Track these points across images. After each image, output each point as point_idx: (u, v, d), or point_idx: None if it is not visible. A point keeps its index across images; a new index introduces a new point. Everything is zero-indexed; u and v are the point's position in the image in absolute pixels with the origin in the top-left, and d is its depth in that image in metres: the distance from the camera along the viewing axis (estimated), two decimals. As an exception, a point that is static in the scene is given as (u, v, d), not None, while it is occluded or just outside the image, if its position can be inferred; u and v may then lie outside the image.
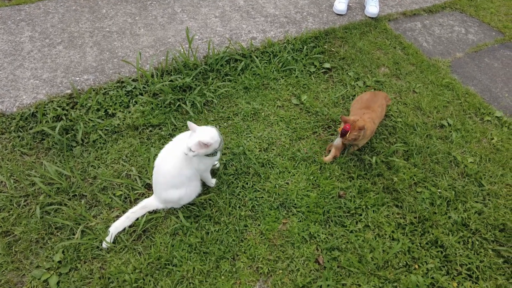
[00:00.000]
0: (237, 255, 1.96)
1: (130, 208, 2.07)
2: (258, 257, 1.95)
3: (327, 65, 3.20)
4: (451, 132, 2.75)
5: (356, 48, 3.47)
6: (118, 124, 2.57)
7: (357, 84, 3.09)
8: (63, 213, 2.07)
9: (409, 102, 2.98)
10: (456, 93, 3.12)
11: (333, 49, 3.41)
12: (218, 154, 2.04)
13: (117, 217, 2.05)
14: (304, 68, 3.18)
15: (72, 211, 2.07)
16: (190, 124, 1.83)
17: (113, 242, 1.97)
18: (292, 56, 3.21)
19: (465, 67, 3.47)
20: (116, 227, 1.98)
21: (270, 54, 3.22)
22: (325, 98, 2.94)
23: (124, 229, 2.01)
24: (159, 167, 1.95)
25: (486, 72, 3.44)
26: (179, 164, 1.92)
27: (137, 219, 2.05)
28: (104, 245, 1.92)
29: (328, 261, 1.93)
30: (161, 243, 1.98)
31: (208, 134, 1.85)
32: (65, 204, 2.12)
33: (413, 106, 2.96)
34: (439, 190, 2.31)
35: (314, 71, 3.17)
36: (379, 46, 3.55)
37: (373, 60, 3.36)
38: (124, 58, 3.03)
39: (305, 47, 3.30)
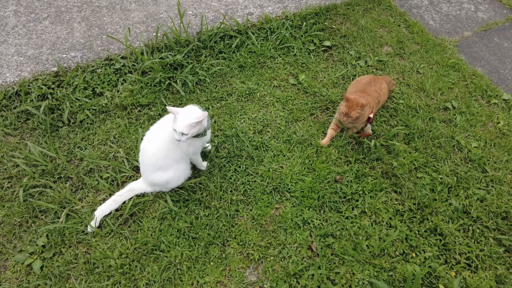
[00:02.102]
0: (227, 241, 1.89)
1: (117, 191, 1.99)
2: (249, 243, 1.88)
3: (327, 43, 3.04)
4: (455, 115, 2.62)
5: (358, 25, 3.29)
6: (106, 104, 2.45)
7: (358, 64, 2.94)
8: (47, 196, 1.99)
9: (412, 83, 2.84)
10: (462, 74, 2.97)
11: (334, 26, 3.23)
12: (208, 134, 1.94)
13: (104, 200, 1.98)
14: (303, 46, 3.02)
15: (57, 194, 1.99)
16: (170, 108, 1.71)
17: (99, 226, 1.90)
18: (290, 33, 3.05)
19: (473, 46, 3.30)
20: (102, 210, 1.91)
21: (267, 31, 3.05)
22: (324, 78, 2.80)
23: (110, 212, 1.94)
24: (145, 149, 1.85)
25: (495, 52, 3.26)
26: (165, 146, 1.82)
27: (124, 202, 1.97)
28: (89, 229, 1.85)
29: (321, 248, 1.86)
30: (148, 227, 1.91)
31: (195, 112, 1.76)
32: (50, 187, 2.03)
33: (417, 87, 2.82)
34: (440, 176, 2.21)
35: (313, 49, 3.02)
36: (383, 24, 3.37)
37: (375, 39, 3.20)
38: (113, 35, 2.88)
39: (304, 23, 3.13)
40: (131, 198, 1.99)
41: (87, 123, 2.37)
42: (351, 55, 3.00)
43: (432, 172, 2.24)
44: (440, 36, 3.34)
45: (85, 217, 1.91)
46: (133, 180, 2.07)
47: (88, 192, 2.04)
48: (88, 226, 1.85)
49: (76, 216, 1.91)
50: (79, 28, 2.93)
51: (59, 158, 2.16)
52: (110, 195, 1.98)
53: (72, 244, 1.84)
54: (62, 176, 2.09)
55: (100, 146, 2.26)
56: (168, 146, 1.83)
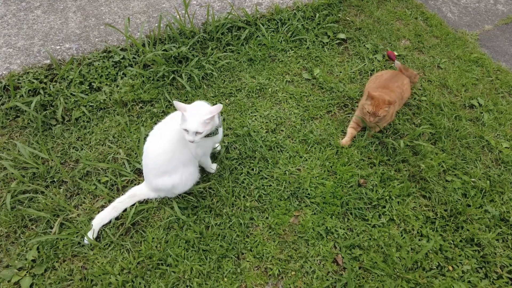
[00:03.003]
0: (242, 253, 1.68)
1: (117, 197, 1.78)
2: (266, 255, 1.67)
3: (341, 36, 2.84)
4: (482, 113, 2.43)
5: (373, 17, 3.09)
6: (104, 100, 2.23)
7: (375, 58, 2.74)
8: (38, 203, 1.77)
9: (434, 79, 2.65)
10: (486, 69, 2.78)
11: (348, 18, 3.03)
12: (220, 133, 1.74)
13: (102, 207, 1.76)
14: (316, 39, 2.82)
15: (49, 200, 1.77)
16: (177, 103, 1.50)
17: (97, 238, 1.68)
18: (302, 24, 2.84)
19: (495, 40, 3.11)
20: (100, 219, 1.69)
21: (277, 22, 2.84)
22: (341, 72, 2.60)
23: (110, 221, 1.72)
24: (149, 150, 1.64)
25: (518, 46, 3.08)
26: (172, 147, 1.61)
27: (125, 210, 1.76)
28: (86, 241, 1.64)
29: (348, 261, 1.66)
30: (153, 238, 1.70)
31: (205, 106, 1.58)
32: (42, 192, 1.82)
33: (439, 83, 2.62)
34: (472, 179, 2.02)
35: (327, 42, 2.81)
36: (399, 16, 3.17)
37: (392, 32, 3.00)
38: (112, 25, 2.65)
39: (317, 15, 2.92)
40: (133, 205, 1.77)
41: (84, 121, 2.15)
42: (368, 48, 2.80)
43: (462, 175, 2.04)
44: (460, 30, 3.14)
45: (81, 227, 1.69)
46: (135, 185, 1.86)
47: (84, 198, 1.82)
48: (85, 237, 1.63)
49: (71, 226, 1.69)
50: (75, 18, 2.70)
51: (52, 160, 1.94)
52: (110, 201, 1.77)
53: (67, 258, 1.62)
54: (55, 180, 1.87)
55: (98, 146, 2.04)
56: (174, 147, 1.62)
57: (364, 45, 2.83)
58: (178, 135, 1.61)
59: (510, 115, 2.44)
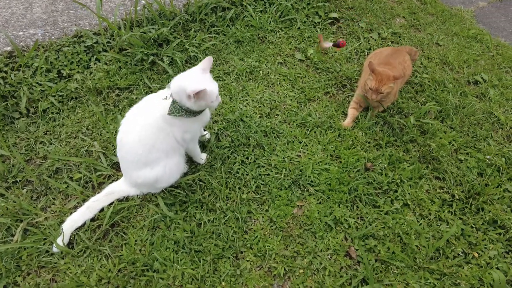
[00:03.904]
0: (241, 252, 1.46)
1: (92, 195, 1.53)
2: (269, 253, 1.45)
3: (334, 15, 2.65)
4: (487, 88, 2.28)
5: (365, -4, 2.92)
6: (76, 88, 1.97)
7: (371, 37, 2.57)
8: (-3, 206, 1.50)
9: (434, 56, 2.49)
10: (486, 45, 2.64)
11: (339, -3, 2.85)
12: (208, 113, 1.52)
13: (75, 208, 1.51)
14: (307, 19, 2.62)
15: (10, 204, 1.50)
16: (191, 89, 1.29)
17: (69, 244, 1.43)
18: (291, 4, 2.64)
19: (491, 17, 2.99)
20: (72, 221, 1.44)
21: (265, 2, 2.63)
22: (336, 52, 2.41)
23: (84, 223, 1.47)
24: (124, 140, 1.40)
25: (514, 22, 2.96)
26: (151, 135, 1.38)
27: (102, 210, 1.51)
28: (55, 248, 1.38)
29: (363, 254, 1.45)
30: (136, 241, 1.45)
31: (192, 70, 1.41)
32: (1, 195, 1.55)
33: (439, 60, 2.47)
34: (488, 157, 1.85)
35: (319, 22, 2.62)
36: (391, -5, 3.01)
37: (386, 10, 2.83)
38: (84, 10, 2.39)
39: (307, -7, 2.73)
40: (112, 203, 1.52)
41: (52, 112, 1.89)
42: (362, 27, 2.63)
43: (476, 153, 1.88)
44: (455, 6, 3.01)
45: (49, 232, 1.43)
46: (113, 181, 1.61)
47: (54, 198, 1.57)
48: (54, 244, 1.38)
49: (38, 232, 1.43)
50: (40, 2, 2.43)
51: (14, 158, 1.67)
52: (84, 200, 1.52)
53: (32, 270, 1.36)
54: (18, 180, 1.61)
55: (70, 139, 1.78)
56: (154, 135, 1.39)
57: (358, 24, 2.65)
58: (158, 122, 1.38)
59: (516, 90, 2.30)
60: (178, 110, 1.35)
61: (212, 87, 1.34)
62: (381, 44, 2.52)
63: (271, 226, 1.53)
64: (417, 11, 2.88)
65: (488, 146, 1.93)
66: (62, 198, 1.58)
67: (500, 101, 2.21)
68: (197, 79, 1.33)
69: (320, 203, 1.62)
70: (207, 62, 1.37)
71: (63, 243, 1.38)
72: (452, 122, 2.03)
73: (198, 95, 1.30)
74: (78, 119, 1.87)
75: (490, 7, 3.10)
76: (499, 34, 2.82)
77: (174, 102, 1.36)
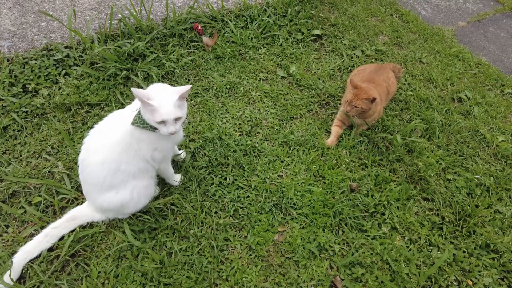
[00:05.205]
0: (216, 285, 1.31)
1: (52, 221, 1.38)
2: (247, 285, 1.31)
3: (316, 32, 2.62)
4: (472, 106, 2.25)
5: (347, 14, 2.91)
6: (42, 104, 1.84)
7: (354, 54, 2.53)
8: None
9: (417, 73, 2.47)
10: (468, 63, 2.65)
11: (321, 14, 2.83)
12: (181, 131, 1.40)
13: (32, 236, 1.34)
14: (290, 36, 2.58)
15: (-45, 232, 1.33)
16: (136, 91, 1.15)
17: (20, 278, 1.26)
18: (274, 20, 2.59)
19: (470, 36, 3.02)
20: (25, 252, 1.28)
21: (246, 18, 2.58)
22: (318, 69, 2.35)
23: (40, 254, 1.31)
24: (86, 162, 1.27)
25: (494, 41, 3.00)
26: (116, 156, 1.25)
27: (62, 237, 1.35)
28: (1, 286, 1.21)
29: (349, 284, 1.33)
30: (99, 273, 1.30)
31: (168, 87, 1.26)
32: None
33: (423, 77, 2.44)
34: (476, 176, 1.79)
35: (301, 39, 2.57)
36: (374, 13, 3.02)
37: (369, 28, 2.82)
38: (56, 24, 2.28)
39: (289, 10, 2.69)
40: (73, 230, 1.37)
41: (14, 130, 1.74)
42: (345, 44, 2.60)
43: (464, 172, 1.81)
44: (436, 25, 3.04)
45: (-2, 266, 1.26)
46: (77, 205, 1.46)
47: (7, 226, 1.40)
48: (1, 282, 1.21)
49: (-16, 265, 1.26)
50: (10, 14, 2.31)
51: (-35, 180, 1.50)
52: (42, 227, 1.36)
53: (-27, 311, 1.18)
54: (-33, 205, 1.44)
55: (31, 159, 1.63)
56: (120, 155, 1.26)
57: (341, 41, 2.62)
58: (125, 139, 1.26)
59: (499, 107, 2.28)
60: (143, 121, 1.23)
61: (164, 105, 1.18)
62: (364, 61, 2.48)
63: (250, 255, 1.40)
64: (400, 29, 2.88)
65: (475, 165, 1.88)
66: (16, 226, 1.41)
67: (484, 118, 2.18)
68: (158, 92, 1.21)
69: (303, 227, 1.50)
70: (185, 89, 1.22)
71: (11, 279, 1.21)
72: (438, 140, 1.97)
73: (144, 103, 1.18)
74: (43, 137, 1.73)
75: (469, 27, 3.14)
76: (480, 53, 2.84)
77: (139, 112, 1.24)
